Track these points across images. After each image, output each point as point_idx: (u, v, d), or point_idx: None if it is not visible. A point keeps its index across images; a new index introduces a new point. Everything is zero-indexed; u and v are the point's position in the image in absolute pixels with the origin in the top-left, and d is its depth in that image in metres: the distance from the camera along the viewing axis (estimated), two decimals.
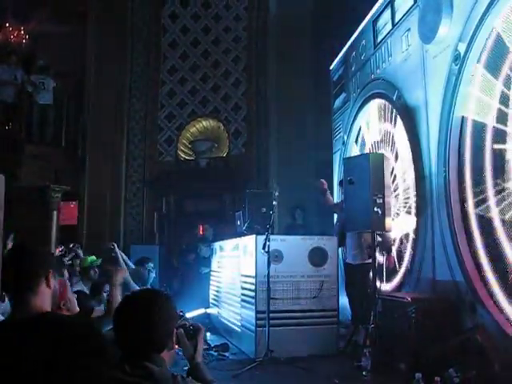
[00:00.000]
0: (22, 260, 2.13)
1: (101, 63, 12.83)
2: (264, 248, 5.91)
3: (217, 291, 8.40)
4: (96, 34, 12.95)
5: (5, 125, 11.10)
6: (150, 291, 2.14)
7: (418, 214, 6.30)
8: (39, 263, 2.17)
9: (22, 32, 12.51)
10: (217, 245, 8.67)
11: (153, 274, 7.01)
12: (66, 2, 12.91)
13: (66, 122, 11.82)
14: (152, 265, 7.65)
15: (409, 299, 5.34)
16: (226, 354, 6.29)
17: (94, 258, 7.24)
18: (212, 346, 6.39)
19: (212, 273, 8.89)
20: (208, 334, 6.90)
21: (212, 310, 8.52)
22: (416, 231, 6.33)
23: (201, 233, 11.18)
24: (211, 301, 8.74)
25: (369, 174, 5.98)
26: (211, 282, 8.86)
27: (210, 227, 10.13)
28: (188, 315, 5.98)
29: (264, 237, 5.95)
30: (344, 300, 7.00)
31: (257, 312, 6.12)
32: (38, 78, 11.27)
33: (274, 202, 6.40)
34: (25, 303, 2.04)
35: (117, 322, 1.90)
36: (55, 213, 11.38)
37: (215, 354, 6.16)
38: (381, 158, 6.22)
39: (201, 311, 8.14)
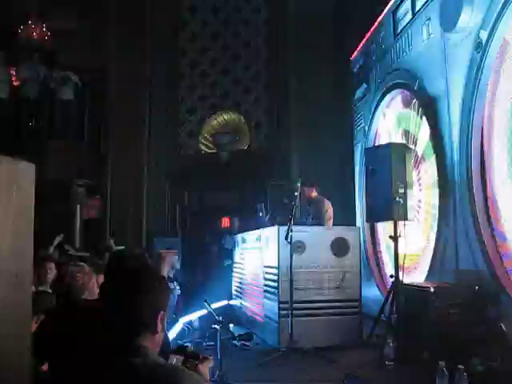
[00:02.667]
0: None
1: (121, 58, 12.92)
2: (286, 238, 5.93)
3: (239, 283, 8.45)
4: (116, 29, 13.04)
5: (29, 121, 11.27)
6: (141, 268, 2.02)
7: (440, 204, 6.27)
8: None
9: (44, 29, 12.63)
10: (239, 237, 8.71)
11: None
12: None
13: (88, 117, 11.96)
14: (176, 257, 7.75)
15: (432, 289, 5.32)
16: (250, 343, 6.33)
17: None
18: (236, 335, 6.44)
19: (235, 265, 8.94)
20: (231, 325, 6.93)
21: (235, 302, 8.57)
22: (439, 221, 6.30)
23: (227, 225, 11.23)
24: (234, 292, 8.79)
25: (390, 163, 5.98)
26: (234, 274, 8.91)
27: (236, 219, 10.10)
28: (212, 306, 6.02)
29: (286, 227, 5.98)
30: (365, 290, 6.99)
31: (280, 302, 6.15)
32: (60, 75, 11.40)
33: (295, 193, 6.41)
34: None
35: (103, 297, 1.88)
36: (79, 207, 11.55)
37: (238, 343, 6.20)
38: (402, 148, 6.20)
39: (224, 303, 8.19)
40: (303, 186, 6.65)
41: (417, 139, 7.04)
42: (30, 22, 12.50)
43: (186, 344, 5.52)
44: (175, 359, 1.96)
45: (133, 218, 12.40)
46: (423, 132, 6.79)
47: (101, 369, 1.68)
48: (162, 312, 1.82)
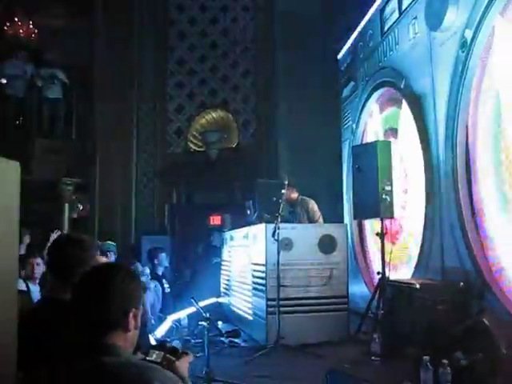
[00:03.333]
0: None
1: (109, 56, 12.88)
2: (274, 236, 5.98)
3: (228, 280, 8.48)
4: (104, 27, 12.99)
5: (16, 119, 11.21)
6: (112, 265, 2.02)
7: (427, 201, 6.33)
8: None
9: (31, 26, 12.57)
10: (227, 234, 8.75)
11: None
12: None
13: (75, 115, 11.91)
14: (164, 254, 7.77)
15: (417, 285, 5.39)
16: (238, 340, 6.37)
17: (111, 242, 7.40)
18: (223, 332, 6.48)
19: (223, 262, 8.97)
20: (220, 322, 6.98)
21: (223, 299, 8.60)
22: (425, 218, 6.36)
23: (217, 222, 11.25)
24: (222, 290, 8.82)
25: (376, 161, 6.04)
26: (222, 272, 8.95)
27: (228, 216, 10.07)
28: (200, 304, 6.05)
29: (274, 225, 6.02)
30: (353, 287, 7.05)
31: (267, 300, 6.19)
32: (48, 72, 11.36)
33: (283, 191, 6.45)
34: None
35: (72, 295, 1.84)
36: (67, 205, 11.53)
37: (226, 341, 6.25)
38: (388, 146, 6.27)
39: (212, 300, 8.23)
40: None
41: (403, 137, 7.10)
42: (16, 19, 12.44)
43: (174, 341, 5.57)
44: (155, 355, 1.96)
45: (121, 217, 12.38)
46: (410, 130, 6.84)
47: (71, 368, 1.67)
48: (133, 309, 1.80)
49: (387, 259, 6.20)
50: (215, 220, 11.48)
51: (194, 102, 13.07)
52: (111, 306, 1.75)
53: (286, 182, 6.54)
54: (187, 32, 13.30)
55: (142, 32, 13.23)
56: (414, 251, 6.66)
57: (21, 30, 12.38)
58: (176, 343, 5.16)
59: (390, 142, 6.64)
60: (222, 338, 6.30)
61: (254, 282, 6.77)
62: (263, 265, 6.32)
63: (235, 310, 7.82)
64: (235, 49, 12.94)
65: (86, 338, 1.74)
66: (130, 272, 1.92)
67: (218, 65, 13.02)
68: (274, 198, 6.74)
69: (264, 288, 6.28)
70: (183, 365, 2.00)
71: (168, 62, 13.26)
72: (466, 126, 5.54)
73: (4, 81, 11.10)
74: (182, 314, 6.97)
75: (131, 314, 1.79)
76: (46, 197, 11.54)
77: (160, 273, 7.76)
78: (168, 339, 5.75)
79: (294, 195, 7.15)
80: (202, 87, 13.05)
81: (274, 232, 5.97)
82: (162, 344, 2.20)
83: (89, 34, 13.00)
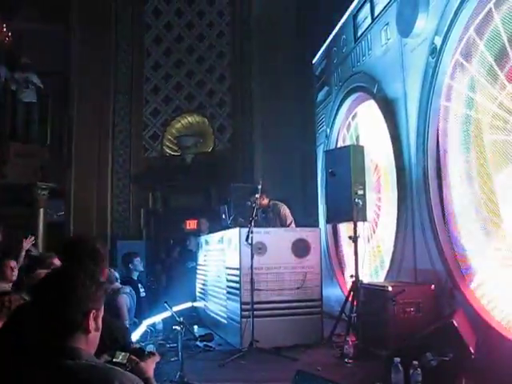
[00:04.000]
0: None
1: (85, 60, 12.85)
2: (247, 240, 6.00)
3: (203, 284, 8.48)
4: (80, 31, 12.96)
5: None
6: (70, 267, 1.98)
7: (399, 204, 6.41)
8: None
9: (5, 29, 12.45)
10: (203, 238, 8.75)
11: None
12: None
13: (51, 119, 11.83)
14: (139, 259, 7.74)
15: (389, 288, 5.45)
16: (212, 344, 6.37)
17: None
18: (197, 336, 6.47)
19: (198, 267, 8.97)
20: (195, 326, 6.97)
21: (199, 304, 8.60)
22: (397, 221, 6.45)
23: (193, 227, 11.21)
24: (198, 294, 8.81)
25: (349, 165, 6.11)
26: (198, 276, 8.94)
27: (205, 221, 10.02)
28: (175, 309, 6.04)
29: (247, 229, 6.05)
30: (328, 291, 7.11)
31: (241, 303, 6.21)
32: (22, 76, 11.27)
33: (256, 196, 6.49)
34: None
35: (31, 297, 1.87)
36: (42, 210, 11.43)
37: (201, 345, 6.24)
38: (361, 150, 6.34)
39: (187, 305, 8.21)
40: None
41: (376, 141, 7.19)
42: None
43: (148, 346, 5.56)
44: (121, 356, 1.97)
45: (96, 221, 12.32)
46: (382, 134, 6.93)
47: (33, 372, 1.66)
48: (93, 310, 1.81)
49: (360, 262, 6.27)
50: (191, 224, 11.45)
51: (170, 107, 13.07)
52: (70, 308, 1.75)
53: (260, 187, 6.58)
54: (163, 37, 13.30)
55: (118, 36, 13.21)
56: (387, 254, 6.74)
57: None
58: (150, 347, 5.15)
59: (362, 146, 6.72)
60: (197, 342, 6.29)
61: (228, 286, 6.78)
62: (237, 269, 6.34)
63: (210, 314, 7.82)
64: (211, 54, 12.98)
65: (48, 341, 1.74)
66: (89, 273, 1.91)
67: (194, 69, 13.03)
68: (249, 203, 6.78)
69: (238, 292, 6.30)
70: (149, 365, 2.02)
71: (144, 67, 13.24)
72: (437, 130, 5.63)
73: None
74: (157, 319, 6.95)
75: (91, 316, 1.79)
76: (21, 201, 11.45)
77: (135, 277, 7.72)
78: (142, 343, 5.73)
79: (265, 201, 7.17)
80: (178, 92, 13.05)
81: (248, 236, 6.00)
82: (127, 345, 2.21)
83: (64, 38, 12.95)
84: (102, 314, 1.87)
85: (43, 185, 11.39)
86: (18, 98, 11.15)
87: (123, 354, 1.98)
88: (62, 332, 1.74)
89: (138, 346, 2.20)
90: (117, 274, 7.15)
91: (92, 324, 1.79)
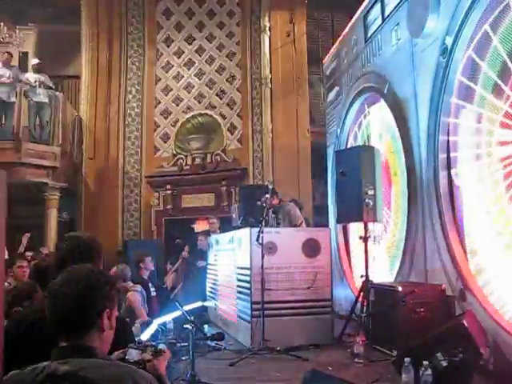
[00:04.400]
0: None
1: (96, 60, 12.95)
2: (258, 240, 6.03)
3: (214, 284, 8.51)
4: (90, 32, 13.06)
5: (0, 123, 11.15)
6: (88, 268, 1.98)
7: (410, 204, 6.41)
8: None
9: (18, 31, 12.56)
10: (213, 238, 8.78)
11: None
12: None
13: (62, 119, 11.88)
14: (150, 258, 7.77)
15: (399, 288, 5.46)
16: (222, 343, 6.39)
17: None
18: (208, 336, 6.49)
19: (209, 266, 9.00)
20: (206, 325, 7.00)
21: (209, 303, 8.63)
22: (408, 221, 6.44)
23: (204, 226, 11.22)
24: (208, 294, 8.84)
25: (359, 165, 6.12)
26: (208, 276, 8.97)
27: (216, 220, 10.04)
28: (185, 308, 6.07)
29: (258, 229, 6.07)
30: (338, 290, 7.11)
31: (252, 303, 6.23)
32: (34, 77, 11.35)
33: (267, 196, 6.51)
34: None
35: (48, 292, 1.87)
36: (54, 210, 11.51)
37: (212, 344, 6.27)
38: (372, 151, 6.35)
39: (198, 304, 8.23)
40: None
41: (387, 141, 7.19)
42: (2, 24, 12.41)
43: (159, 345, 5.58)
44: (133, 354, 2.00)
45: (108, 221, 12.39)
46: (392, 133, 6.93)
47: (49, 370, 1.68)
48: (108, 310, 1.84)
49: (371, 262, 6.28)
50: (201, 224, 11.48)
51: (181, 107, 13.11)
52: (85, 307, 1.79)
53: (270, 187, 6.60)
54: (174, 37, 13.36)
55: (129, 38, 13.30)
56: (398, 253, 6.74)
57: (8, 35, 12.34)
58: (161, 346, 5.18)
59: (373, 147, 6.73)
60: (208, 341, 6.31)
61: (238, 286, 6.81)
62: (248, 268, 6.36)
63: (221, 313, 7.85)
64: (221, 53, 13.02)
65: (63, 339, 1.77)
66: (102, 273, 1.96)
67: (204, 69, 13.09)
68: (259, 203, 6.80)
69: (249, 291, 6.32)
70: (161, 363, 2.04)
71: (155, 67, 13.31)
72: (448, 130, 5.63)
73: None
74: (168, 318, 6.98)
75: (105, 315, 1.83)
76: (33, 200, 11.53)
77: (146, 277, 7.76)
78: (153, 342, 5.76)
79: (276, 201, 7.19)
80: (189, 92, 13.10)
81: (259, 236, 6.02)
82: (139, 342, 2.23)
83: (76, 41, 13.06)
84: (115, 312, 1.90)
85: (55, 185, 11.47)
86: (29, 99, 11.21)
87: (136, 351, 2.00)
88: (78, 331, 1.77)
89: (149, 343, 2.21)
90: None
91: (106, 323, 1.83)
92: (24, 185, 10.75)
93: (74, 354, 1.73)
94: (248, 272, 6.36)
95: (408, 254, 6.40)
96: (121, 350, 2.02)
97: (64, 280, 1.85)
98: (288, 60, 12.27)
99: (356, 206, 6.24)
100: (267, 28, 12.41)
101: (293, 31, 12.36)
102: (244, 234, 6.64)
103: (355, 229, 8.06)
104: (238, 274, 6.84)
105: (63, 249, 2.57)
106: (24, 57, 13.15)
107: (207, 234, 9.75)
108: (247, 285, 6.40)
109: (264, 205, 6.42)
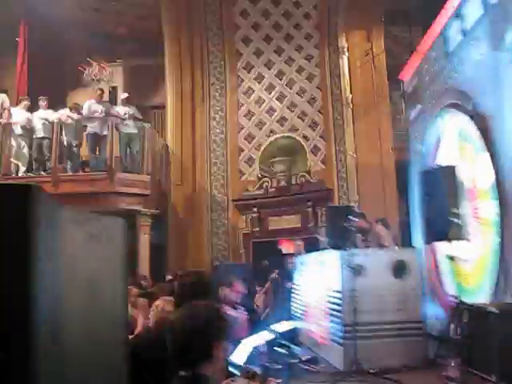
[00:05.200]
0: None
1: (180, 90, 13.46)
2: (347, 262, 6.08)
3: (301, 305, 8.58)
4: (174, 63, 13.59)
5: (95, 155, 11.78)
6: (201, 304, 2.15)
7: (501, 222, 6.24)
8: None
9: (108, 68, 13.28)
10: (298, 260, 8.88)
11: None
12: (146, 35, 13.68)
13: (150, 148, 12.39)
14: (240, 281, 7.92)
15: (495, 310, 5.32)
16: (315, 365, 6.45)
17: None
18: (302, 359, 6.56)
19: (295, 287, 9.08)
20: (297, 347, 7.07)
21: (298, 324, 8.69)
22: (501, 240, 6.27)
23: (289, 248, 11.34)
24: (296, 314, 8.92)
25: (442, 186, 6.08)
26: (295, 296, 9.05)
27: (301, 242, 10.15)
28: (276, 329, 6.16)
29: (346, 251, 6.13)
30: (431, 310, 7.00)
31: (344, 325, 6.28)
32: (124, 110, 11.93)
33: (354, 218, 6.57)
34: None
35: (169, 328, 2.07)
36: (146, 236, 11.95)
37: (304, 366, 6.33)
38: (452, 170, 6.29)
39: (287, 325, 8.32)
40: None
41: (473, 159, 7.05)
42: (91, 61, 13.17)
43: (254, 368, 5.71)
44: (241, 381, 2.14)
45: (196, 245, 12.73)
46: (478, 148, 6.81)
47: None
48: (219, 341, 2.01)
49: (463, 282, 6.17)
50: (288, 245, 11.59)
51: (264, 131, 13.35)
52: (201, 340, 1.96)
53: (359, 211, 6.66)
54: (253, 62, 13.69)
55: (210, 66, 13.75)
56: (491, 274, 6.56)
57: (98, 71, 13.08)
58: (256, 369, 5.30)
59: (453, 166, 6.63)
60: (300, 364, 6.39)
61: (329, 308, 6.86)
62: (339, 291, 6.42)
63: (311, 334, 7.90)
64: (300, 76, 13.23)
65: (181, 368, 1.95)
66: (215, 309, 2.15)
67: (284, 92, 13.31)
68: (345, 224, 6.86)
69: (340, 314, 6.37)
70: None
71: (236, 92, 13.65)
72: None
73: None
74: (260, 340, 7.10)
75: (218, 346, 2.00)
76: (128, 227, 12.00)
77: (238, 300, 7.92)
78: (248, 366, 5.90)
79: (363, 223, 7.22)
80: (271, 115, 13.33)
81: (347, 258, 6.08)
82: (247, 371, 2.37)
83: (160, 71, 13.63)
84: (227, 345, 2.08)
85: (146, 212, 11.93)
86: (119, 131, 11.79)
87: (242, 379, 2.14)
88: (193, 361, 1.95)
89: (251, 369, 2.35)
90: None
91: (218, 353, 1.99)
92: (117, 213, 11.24)
93: (191, 382, 1.90)
94: (339, 295, 6.41)
95: (502, 273, 6.23)
96: (230, 379, 2.17)
97: (182, 316, 2.04)
98: (368, 78, 12.29)
99: (442, 226, 6.18)
100: (345, 48, 12.51)
101: (371, 49, 12.38)
102: (332, 256, 6.70)
103: (444, 247, 7.92)
104: (328, 295, 6.89)
105: (180, 285, 2.75)
106: (113, 91, 13.87)
107: (293, 255, 9.87)
108: (338, 307, 6.45)
109: (351, 227, 6.48)
